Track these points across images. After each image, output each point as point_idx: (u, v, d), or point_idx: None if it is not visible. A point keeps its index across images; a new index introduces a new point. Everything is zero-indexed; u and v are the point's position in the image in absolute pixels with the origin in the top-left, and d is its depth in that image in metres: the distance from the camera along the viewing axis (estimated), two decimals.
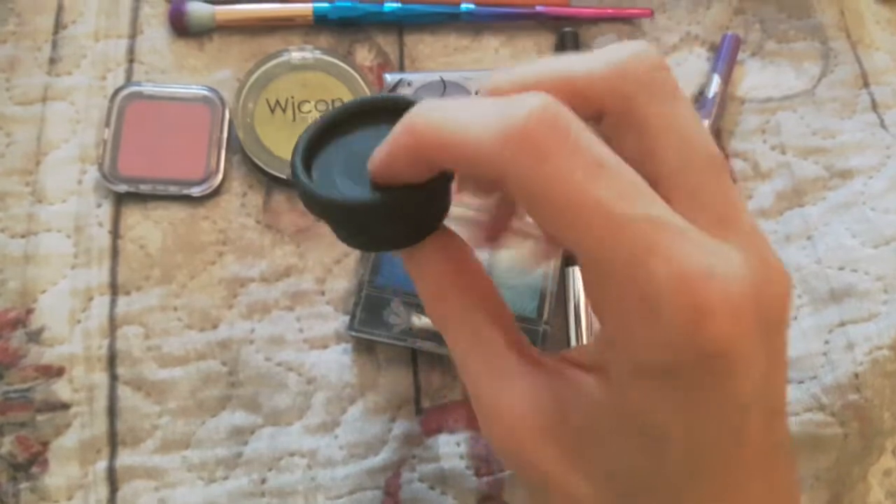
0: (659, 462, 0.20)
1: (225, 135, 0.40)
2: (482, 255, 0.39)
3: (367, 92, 0.41)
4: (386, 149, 0.22)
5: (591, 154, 0.19)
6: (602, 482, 0.21)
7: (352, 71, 0.41)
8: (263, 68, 0.41)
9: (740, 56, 0.44)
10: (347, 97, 0.41)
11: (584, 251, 0.20)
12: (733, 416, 0.20)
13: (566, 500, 0.21)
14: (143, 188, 0.38)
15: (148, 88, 0.40)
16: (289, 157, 0.39)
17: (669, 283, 0.18)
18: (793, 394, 0.37)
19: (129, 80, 0.41)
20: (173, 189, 0.39)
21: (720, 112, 0.42)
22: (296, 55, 0.41)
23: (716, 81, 0.43)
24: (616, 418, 0.21)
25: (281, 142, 0.40)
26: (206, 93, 0.40)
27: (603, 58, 0.22)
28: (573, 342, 0.38)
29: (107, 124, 0.39)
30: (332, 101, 0.41)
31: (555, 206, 0.19)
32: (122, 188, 0.38)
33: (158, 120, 0.40)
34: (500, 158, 0.19)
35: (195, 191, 0.39)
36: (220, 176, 0.39)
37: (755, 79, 0.44)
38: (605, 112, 0.22)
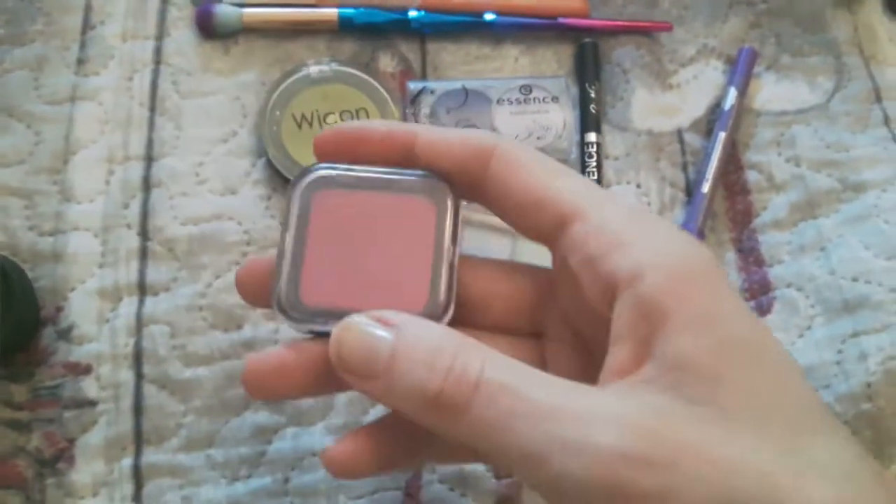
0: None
1: (450, 245, 0.27)
2: (505, 247, 0.39)
3: (388, 100, 0.42)
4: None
5: None
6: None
7: (372, 80, 0.42)
8: (285, 84, 0.41)
9: (756, 69, 0.45)
10: (370, 106, 0.42)
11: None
12: None
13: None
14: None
15: (341, 172, 0.27)
16: None
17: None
18: None
19: (155, 80, 0.42)
20: None
21: (736, 124, 0.43)
22: (314, 69, 0.42)
23: (732, 94, 0.44)
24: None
25: (309, 155, 0.40)
26: (427, 179, 0.27)
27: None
28: None
29: (285, 227, 0.26)
30: (356, 111, 0.41)
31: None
32: (306, 328, 0.26)
33: (357, 218, 0.27)
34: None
35: None
36: (451, 310, 0.26)
37: (770, 92, 0.45)
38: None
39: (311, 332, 0.26)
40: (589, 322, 0.25)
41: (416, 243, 0.26)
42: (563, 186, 0.25)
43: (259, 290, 0.27)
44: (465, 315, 0.28)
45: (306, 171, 0.27)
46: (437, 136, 0.26)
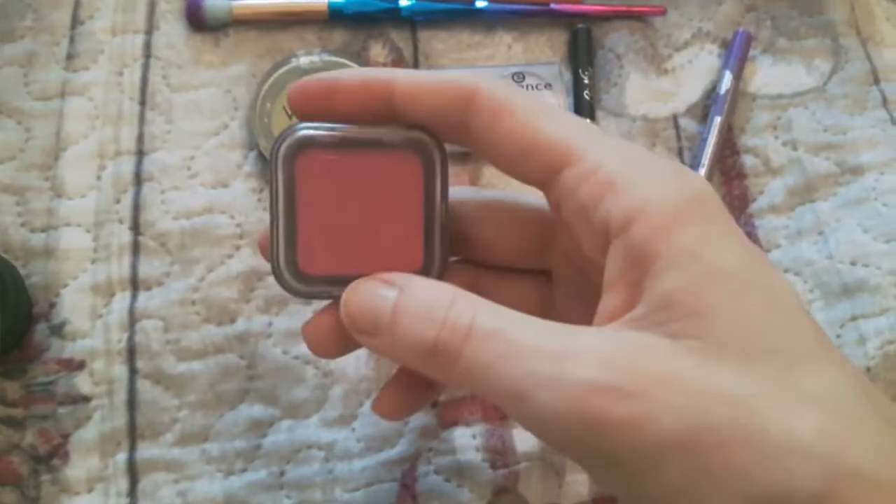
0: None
1: (440, 201, 0.26)
2: None
3: None
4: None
5: None
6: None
7: None
8: (275, 76, 0.41)
9: (751, 53, 0.44)
10: None
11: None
12: None
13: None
14: (336, 293, 0.25)
15: (323, 132, 0.25)
16: None
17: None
18: None
19: (145, 75, 0.42)
20: None
21: (732, 108, 0.43)
22: (304, 60, 0.41)
23: (727, 78, 0.43)
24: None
25: None
26: (412, 134, 0.26)
27: None
28: None
29: (273, 194, 0.26)
30: None
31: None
32: (309, 297, 0.26)
33: (344, 180, 0.26)
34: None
35: None
36: (445, 266, 0.27)
37: (766, 75, 0.44)
38: None
39: (315, 299, 0.27)
40: (588, 262, 0.25)
41: (406, 202, 0.26)
42: (551, 132, 0.24)
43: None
44: (472, 255, 0.29)
45: (287, 132, 0.25)
46: (414, 84, 0.25)
